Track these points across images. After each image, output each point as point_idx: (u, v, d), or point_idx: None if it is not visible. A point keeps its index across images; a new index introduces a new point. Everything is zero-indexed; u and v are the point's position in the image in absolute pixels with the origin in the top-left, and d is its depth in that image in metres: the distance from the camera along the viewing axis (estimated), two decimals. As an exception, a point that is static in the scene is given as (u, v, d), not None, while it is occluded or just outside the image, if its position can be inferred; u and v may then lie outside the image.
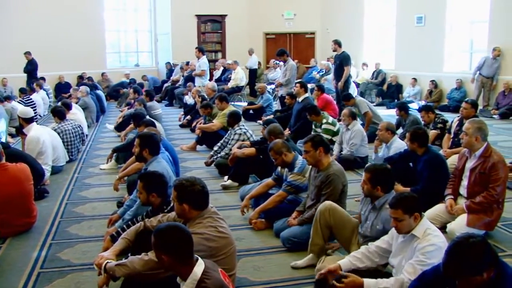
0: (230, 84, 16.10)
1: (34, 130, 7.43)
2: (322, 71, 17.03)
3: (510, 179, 6.52)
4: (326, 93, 12.70)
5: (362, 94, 15.17)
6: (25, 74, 16.13)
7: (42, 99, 14.17)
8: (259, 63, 19.44)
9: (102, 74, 18.65)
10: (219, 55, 20.34)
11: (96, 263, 3.58)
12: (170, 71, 18.83)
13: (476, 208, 4.98)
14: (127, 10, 20.25)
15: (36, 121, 9.26)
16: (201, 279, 2.88)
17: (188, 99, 13.71)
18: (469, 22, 14.88)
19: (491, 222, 5.06)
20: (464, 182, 5.23)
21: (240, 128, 7.92)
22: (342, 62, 11.63)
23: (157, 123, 8.05)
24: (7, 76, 16.55)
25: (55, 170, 7.78)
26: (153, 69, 20.23)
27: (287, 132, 9.31)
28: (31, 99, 12.75)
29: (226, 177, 7.27)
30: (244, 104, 14.77)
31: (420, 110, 9.03)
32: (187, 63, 16.86)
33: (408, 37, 16.38)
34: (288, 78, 11.80)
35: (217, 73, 17.57)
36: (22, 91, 13.78)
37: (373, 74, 17.66)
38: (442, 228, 4.88)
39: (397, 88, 16.50)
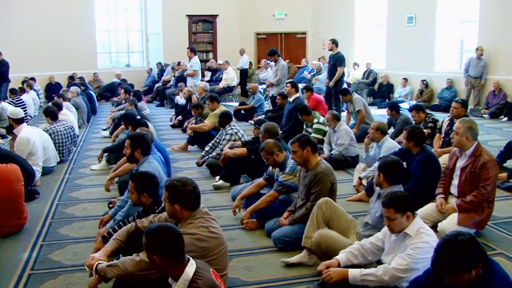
0: (221, 84, 16.10)
1: (24, 131, 7.39)
2: (313, 71, 17.06)
3: (500, 179, 6.62)
4: (317, 93, 12.75)
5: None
6: (17, 74, 16.01)
7: (32, 99, 14.09)
8: (250, 63, 19.43)
9: (94, 74, 18.55)
10: (211, 55, 20.32)
11: (87, 264, 3.57)
12: (161, 71, 18.78)
13: (467, 207, 5.00)
14: (118, 10, 20.16)
15: (27, 122, 9.22)
16: (192, 280, 2.88)
17: (180, 99, 13.69)
18: (459, 22, 14.97)
19: (482, 221, 5.08)
20: (455, 181, 5.26)
21: (232, 128, 7.92)
22: (336, 62, 11.65)
23: (148, 123, 8.03)
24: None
25: (46, 171, 7.74)
26: (144, 69, 20.16)
27: (278, 132, 9.32)
28: (21, 99, 12.68)
29: (217, 177, 7.27)
30: (236, 104, 14.76)
31: (411, 109, 9.07)
32: (178, 63, 16.83)
33: (399, 37, 16.44)
34: (279, 78, 11.81)
35: (207, 75, 17.54)
36: (12, 91, 13.71)
37: (364, 74, 17.71)
38: (433, 227, 4.89)
39: (388, 88, 16.56)
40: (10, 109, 8.65)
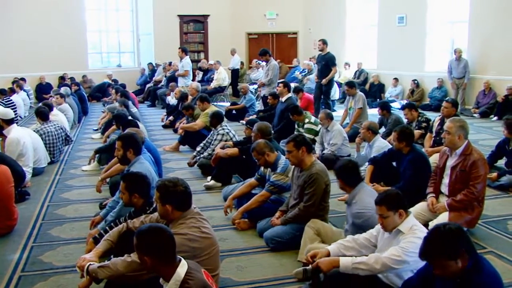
0: (213, 85, 16.07)
1: (14, 132, 7.34)
2: (305, 71, 17.07)
3: (490, 178, 6.66)
4: (309, 92, 12.78)
5: (344, 94, 15.19)
6: (6, 75, 15.92)
7: (22, 100, 14.02)
8: (242, 63, 19.44)
9: (83, 77, 18.43)
10: (202, 55, 20.30)
11: (79, 265, 3.56)
12: (152, 72, 18.73)
13: (457, 206, 5.02)
14: (109, 10, 20.09)
15: (17, 123, 9.16)
16: (184, 280, 2.87)
17: (171, 100, 13.67)
18: (449, 22, 15.04)
19: (472, 219, 5.11)
20: (445, 180, 5.28)
21: (223, 129, 7.91)
22: (328, 62, 11.67)
23: (139, 124, 8.01)
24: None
25: (36, 172, 7.70)
26: (135, 69, 20.11)
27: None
28: (11, 100, 12.60)
29: (209, 178, 7.26)
30: (227, 104, 14.76)
31: (403, 107, 9.12)
32: (170, 64, 16.80)
33: (390, 37, 16.50)
34: (271, 78, 11.81)
35: (199, 75, 17.52)
36: (2, 92, 13.61)
37: (355, 73, 17.75)
38: (425, 226, 4.91)
39: (379, 88, 16.61)
40: (0, 110, 8.59)
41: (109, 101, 14.49)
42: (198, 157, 7.92)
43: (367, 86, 16.91)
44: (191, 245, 3.47)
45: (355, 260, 3.55)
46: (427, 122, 8.35)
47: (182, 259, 2.98)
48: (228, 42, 19.60)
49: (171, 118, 12.13)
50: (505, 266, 4.49)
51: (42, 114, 8.69)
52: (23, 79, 15.88)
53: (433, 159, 6.45)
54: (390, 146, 6.52)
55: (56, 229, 5.59)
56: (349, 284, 3.59)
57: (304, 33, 20.67)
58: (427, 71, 15.29)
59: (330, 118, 8.20)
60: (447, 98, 8.98)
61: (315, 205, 4.80)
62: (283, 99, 10.24)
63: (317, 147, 8.39)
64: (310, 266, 4.19)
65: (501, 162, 7.28)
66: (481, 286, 2.80)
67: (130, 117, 8.39)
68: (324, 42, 11.82)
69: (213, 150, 7.59)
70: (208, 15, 20.17)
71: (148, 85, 17.74)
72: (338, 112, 12.66)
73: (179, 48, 14.29)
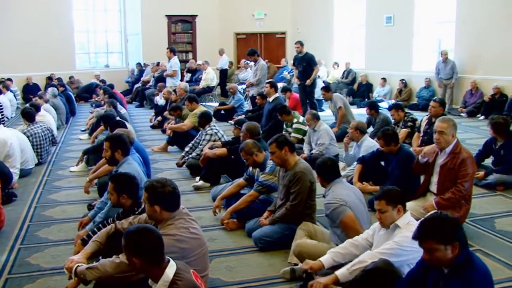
0: (201, 85, 16.05)
1: (1, 133, 7.27)
2: (293, 71, 17.05)
3: (478, 177, 6.71)
4: (297, 92, 12.78)
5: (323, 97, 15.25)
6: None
7: (9, 100, 13.92)
8: (231, 63, 19.44)
9: (70, 78, 18.31)
10: (190, 55, 20.27)
11: (67, 266, 3.53)
12: (140, 72, 18.67)
13: (445, 204, 5.05)
14: (96, 10, 20.00)
15: (3, 124, 9.10)
16: (173, 281, 2.87)
17: (159, 100, 13.63)
18: (436, 22, 15.13)
19: (460, 217, 5.12)
20: (434, 179, 5.31)
21: (211, 129, 7.90)
22: (310, 62, 11.66)
23: (127, 124, 7.99)
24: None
25: (24, 173, 7.65)
26: (123, 69, 20.04)
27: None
28: (-3, 101, 12.52)
29: (197, 178, 7.26)
30: (215, 104, 14.75)
31: (390, 108, 9.16)
32: (158, 64, 16.76)
33: (378, 37, 16.57)
34: (259, 78, 11.81)
35: (187, 75, 17.48)
36: (-12, 93, 13.53)
37: (343, 73, 17.80)
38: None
39: (368, 87, 16.68)
40: (-14, 111, 8.55)
41: (97, 101, 14.42)
42: (186, 158, 7.91)
43: (355, 86, 16.98)
44: (180, 246, 3.46)
45: (349, 266, 3.55)
46: (413, 121, 8.41)
47: (171, 259, 2.97)
48: (217, 42, 19.59)
49: (159, 118, 12.10)
50: (492, 263, 4.52)
51: (28, 116, 8.63)
52: (9, 80, 15.76)
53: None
54: (378, 146, 6.55)
55: (43, 230, 5.56)
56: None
57: (292, 33, 20.69)
58: (415, 71, 15.37)
59: (316, 118, 8.21)
60: (434, 98, 9.06)
61: (301, 204, 4.81)
62: (270, 99, 10.25)
63: (305, 147, 8.40)
64: (298, 266, 4.22)
65: (488, 161, 7.34)
66: (470, 281, 2.82)
67: (118, 118, 8.36)
68: (301, 44, 11.78)
69: (202, 150, 7.58)
70: (196, 15, 20.14)
71: (136, 86, 17.67)
72: (327, 112, 12.69)
73: (168, 48, 14.26)
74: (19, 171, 7.39)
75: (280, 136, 5.17)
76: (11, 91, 14.82)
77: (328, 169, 4.42)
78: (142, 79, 17.71)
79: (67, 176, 7.88)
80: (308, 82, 11.58)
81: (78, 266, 3.44)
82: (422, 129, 8.00)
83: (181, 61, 15.26)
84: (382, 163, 6.52)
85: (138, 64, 19.07)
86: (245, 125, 6.77)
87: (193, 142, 8.11)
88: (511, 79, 12.37)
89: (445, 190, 5.14)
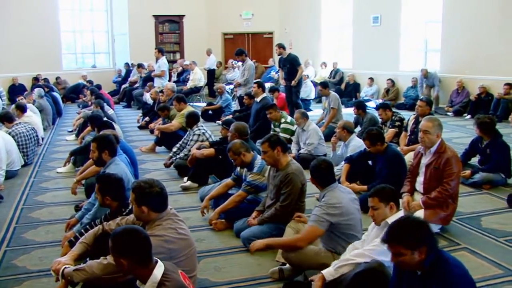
0: (189, 85, 16.02)
1: (-14, 134, 7.24)
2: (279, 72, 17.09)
3: (464, 176, 6.75)
4: (284, 92, 12.78)
5: (320, 93, 15.27)
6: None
7: (-5, 101, 13.82)
8: (219, 63, 19.42)
9: (56, 78, 18.19)
10: (177, 55, 20.21)
11: (53, 268, 3.51)
12: (128, 72, 18.59)
13: (432, 203, 5.09)
14: (83, 10, 19.88)
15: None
16: (161, 282, 2.86)
17: (149, 98, 13.61)
18: (423, 22, 15.21)
19: (447, 216, 5.18)
20: (420, 178, 5.35)
21: (199, 129, 7.89)
22: (293, 63, 11.64)
23: (114, 125, 7.96)
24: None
25: (10, 175, 7.59)
26: (111, 70, 19.95)
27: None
28: (-18, 102, 12.42)
29: (185, 178, 7.24)
30: (203, 104, 14.73)
31: (377, 108, 9.20)
32: (140, 66, 16.78)
33: (365, 36, 16.63)
34: (247, 78, 11.81)
35: (175, 75, 17.45)
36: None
37: (331, 73, 17.84)
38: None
39: (355, 87, 16.72)
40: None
41: (84, 102, 14.35)
42: (174, 158, 7.89)
43: (342, 86, 17.00)
44: (168, 247, 3.45)
45: (336, 263, 3.56)
46: (400, 121, 8.45)
47: (159, 260, 2.97)
48: (204, 42, 19.56)
49: (147, 119, 12.06)
50: (478, 261, 4.57)
51: (6, 118, 8.56)
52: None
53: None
54: (366, 145, 6.57)
55: (30, 232, 5.52)
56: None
57: (279, 33, 20.71)
58: (402, 71, 15.44)
59: (305, 117, 8.23)
60: (421, 97, 9.10)
61: (291, 204, 4.82)
62: (258, 99, 10.26)
63: (293, 147, 8.41)
64: (287, 266, 4.23)
65: (475, 160, 7.39)
66: (445, 283, 2.83)
67: (105, 118, 8.33)
68: (281, 46, 11.76)
69: (189, 150, 7.56)
70: (184, 15, 20.08)
71: (123, 86, 17.61)
72: (314, 111, 12.72)
73: (156, 49, 14.22)
74: (5, 173, 7.33)
75: (273, 135, 5.19)
76: (-4, 92, 14.70)
77: (323, 173, 4.28)
78: (129, 79, 17.64)
79: (54, 177, 7.84)
80: (293, 83, 11.55)
81: (65, 268, 3.43)
82: (409, 128, 8.04)
83: (168, 61, 15.20)
84: (370, 162, 6.55)
85: (126, 64, 18.99)
86: (233, 124, 6.77)
87: (180, 142, 8.09)
88: (497, 78, 12.48)
89: (431, 189, 5.18)
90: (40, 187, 7.33)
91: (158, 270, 2.90)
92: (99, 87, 14.20)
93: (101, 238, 3.76)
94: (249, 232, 4.98)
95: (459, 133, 10.82)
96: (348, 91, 16.64)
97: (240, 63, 13.32)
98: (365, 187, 6.14)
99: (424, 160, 5.27)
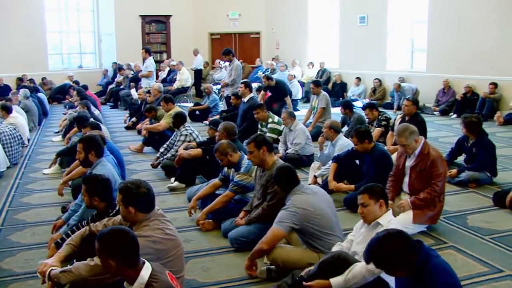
0: (176, 85, 15.99)
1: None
2: (268, 71, 17.12)
3: (450, 175, 6.81)
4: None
5: (307, 93, 15.32)
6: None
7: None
8: (206, 63, 19.39)
9: (42, 79, 18.05)
10: (164, 55, 20.15)
11: (40, 270, 3.49)
12: (115, 72, 18.49)
13: (421, 204, 5.11)
14: (69, 10, 19.75)
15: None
16: (148, 283, 2.85)
17: (135, 94, 13.58)
18: (409, 22, 15.30)
19: (435, 215, 5.22)
20: (406, 179, 5.38)
21: (186, 129, 7.87)
22: (283, 92, 11.75)
23: (101, 125, 7.92)
24: None
25: (-5, 176, 7.54)
26: (98, 70, 19.85)
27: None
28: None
29: (172, 179, 7.23)
30: (190, 105, 14.71)
31: (364, 108, 9.23)
32: (120, 68, 16.73)
33: (352, 36, 16.69)
34: (234, 78, 11.79)
35: (162, 74, 17.41)
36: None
37: (318, 73, 17.87)
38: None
39: (342, 87, 16.78)
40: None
41: (70, 102, 14.26)
42: (161, 158, 7.87)
43: (329, 86, 17.05)
44: (155, 247, 3.44)
45: (347, 276, 3.50)
46: (387, 120, 8.48)
47: (146, 261, 2.96)
48: (191, 43, 19.53)
49: (134, 119, 12.02)
50: (464, 259, 4.61)
51: None
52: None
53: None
54: (353, 145, 6.59)
55: (16, 234, 5.47)
56: None
57: (266, 33, 20.75)
58: (389, 70, 15.52)
59: (292, 117, 8.24)
60: (408, 97, 9.14)
61: (278, 204, 4.79)
62: (245, 99, 10.26)
63: (281, 147, 8.41)
64: (273, 266, 4.24)
65: (461, 159, 7.45)
66: (433, 278, 2.89)
67: (91, 119, 8.28)
68: (268, 78, 11.88)
69: (177, 151, 7.54)
70: (170, 16, 20.03)
71: (110, 87, 17.53)
72: (301, 111, 12.74)
73: (143, 49, 14.19)
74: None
75: (258, 135, 5.19)
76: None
77: (282, 179, 4.41)
78: (116, 80, 17.56)
79: (40, 179, 7.78)
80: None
81: (52, 270, 3.41)
82: (396, 127, 8.07)
83: (155, 62, 15.15)
84: (357, 162, 6.57)
85: (114, 63, 18.89)
86: (222, 124, 6.77)
87: (168, 143, 8.07)
88: (482, 78, 12.59)
89: (416, 190, 5.22)
90: (26, 189, 7.27)
91: (146, 271, 2.89)
92: (85, 87, 14.13)
93: (88, 240, 3.75)
94: (236, 232, 4.98)
95: (445, 132, 10.90)
96: (335, 90, 16.67)
97: (227, 63, 13.31)
98: (352, 186, 6.15)
99: (409, 163, 5.29)
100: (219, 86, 14.84)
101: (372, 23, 15.82)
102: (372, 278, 3.48)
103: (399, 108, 13.07)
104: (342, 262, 3.56)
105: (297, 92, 14.63)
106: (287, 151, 8.19)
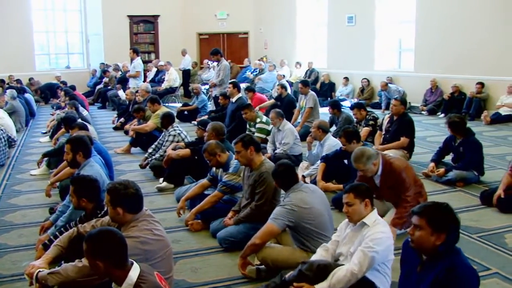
0: (164, 85, 15.96)
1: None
2: (256, 71, 17.13)
3: (438, 174, 6.85)
4: (260, 92, 12.81)
5: (295, 93, 15.32)
6: None
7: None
8: (195, 63, 19.36)
9: (30, 80, 17.92)
10: (152, 56, 20.09)
11: (27, 272, 3.47)
12: (103, 72, 18.41)
13: (401, 222, 5.01)
14: (56, 10, 19.64)
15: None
16: (136, 284, 2.84)
17: (123, 94, 13.53)
18: (397, 22, 15.37)
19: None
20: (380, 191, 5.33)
21: (174, 130, 7.86)
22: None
23: (89, 126, 7.89)
24: None
25: (-18, 178, 7.48)
26: (85, 70, 19.76)
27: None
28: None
29: (161, 179, 7.21)
30: (179, 105, 14.68)
31: (352, 107, 9.26)
32: (105, 71, 16.67)
33: (340, 36, 16.73)
34: (222, 78, 11.79)
35: (150, 74, 17.36)
36: None
37: (306, 73, 17.89)
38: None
39: (330, 87, 16.81)
40: None
41: (58, 103, 14.18)
42: (149, 159, 7.85)
43: (318, 85, 17.08)
44: (143, 248, 3.43)
45: (331, 281, 3.48)
46: (374, 120, 8.52)
47: (134, 262, 2.94)
48: (179, 43, 19.48)
49: (122, 120, 11.97)
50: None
51: None
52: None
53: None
54: (341, 144, 6.61)
55: (3, 236, 5.42)
56: None
57: (255, 33, 20.75)
58: (377, 70, 15.58)
59: (280, 116, 8.24)
60: (395, 96, 9.19)
61: (266, 203, 4.83)
62: (233, 99, 10.26)
63: (269, 147, 8.41)
64: (263, 266, 4.24)
65: (448, 158, 7.49)
66: (450, 270, 2.92)
67: (79, 120, 8.24)
68: (283, 87, 11.79)
69: (165, 151, 7.53)
70: (158, 16, 19.98)
71: (98, 87, 17.46)
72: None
73: (131, 49, 14.14)
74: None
75: (246, 135, 5.19)
76: (-33, 93, 14.43)
77: (282, 176, 4.41)
78: (103, 80, 17.49)
79: (28, 180, 7.73)
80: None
81: (40, 271, 3.39)
82: (384, 127, 8.11)
83: (143, 62, 15.11)
84: (345, 161, 6.59)
85: (102, 63, 18.80)
86: (210, 124, 6.77)
87: (156, 143, 8.05)
88: (469, 77, 12.69)
89: (392, 199, 5.24)
90: (13, 190, 7.22)
91: (134, 272, 2.88)
92: (73, 88, 14.04)
93: (76, 241, 3.73)
94: (225, 232, 4.98)
95: (433, 132, 10.97)
96: (324, 90, 16.70)
97: (215, 63, 13.30)
98: (341, 186, 6.18)
99: (376, 181, 5.23)
100: (207, 86, 14.83)
101: (360, 23, 15.88)
102: (356, 280, 3.47)
103: (387, 108, 13.15)
104: (321, 273, 3.53)
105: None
106: (275, 151, 8.19)
